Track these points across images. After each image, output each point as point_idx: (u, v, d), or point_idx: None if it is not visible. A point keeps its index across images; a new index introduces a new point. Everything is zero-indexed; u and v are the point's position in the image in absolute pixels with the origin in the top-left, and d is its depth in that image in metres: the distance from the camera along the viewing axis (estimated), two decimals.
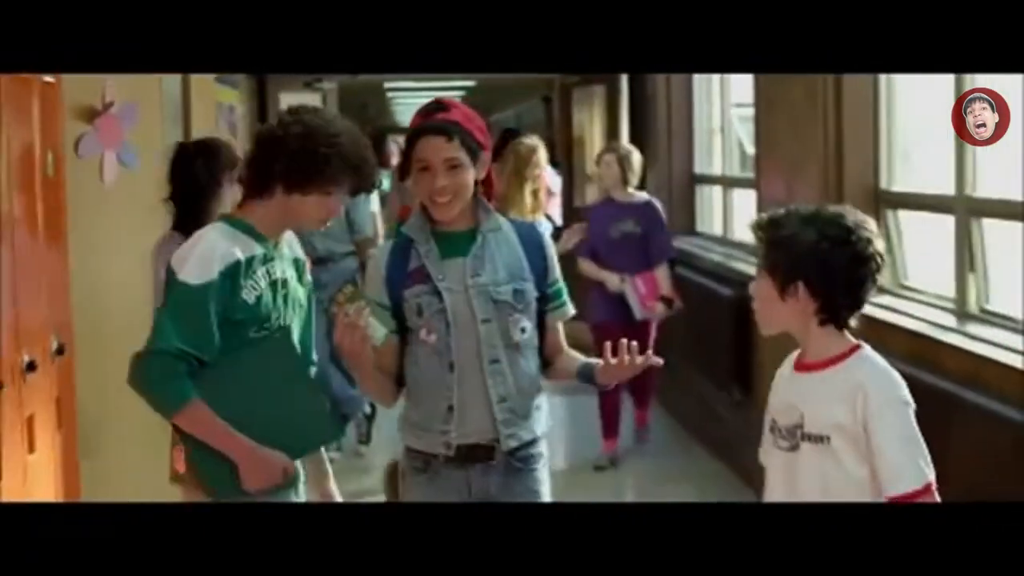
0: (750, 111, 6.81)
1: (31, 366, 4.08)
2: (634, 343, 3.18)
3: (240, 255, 3.12)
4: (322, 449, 3.45)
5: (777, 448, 2.76)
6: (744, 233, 6.85)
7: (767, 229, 2.73)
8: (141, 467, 4.84)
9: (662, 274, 7.05)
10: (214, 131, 6.81)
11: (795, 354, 2.80)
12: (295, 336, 3.27)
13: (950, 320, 4.59)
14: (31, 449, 4.13)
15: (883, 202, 5.29)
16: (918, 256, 5.25)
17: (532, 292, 3.29)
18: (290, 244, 3.34)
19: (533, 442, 3.30)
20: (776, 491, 2.77)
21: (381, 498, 4.98)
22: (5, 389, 3.86)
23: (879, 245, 2.70)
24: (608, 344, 3.19)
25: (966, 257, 4.58)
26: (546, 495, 3.34)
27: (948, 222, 4.72)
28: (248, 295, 3.13)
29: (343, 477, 3.59)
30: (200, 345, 3.08)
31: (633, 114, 9.67)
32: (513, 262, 3.28)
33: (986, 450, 3.81)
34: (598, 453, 7.15)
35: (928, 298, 4.94)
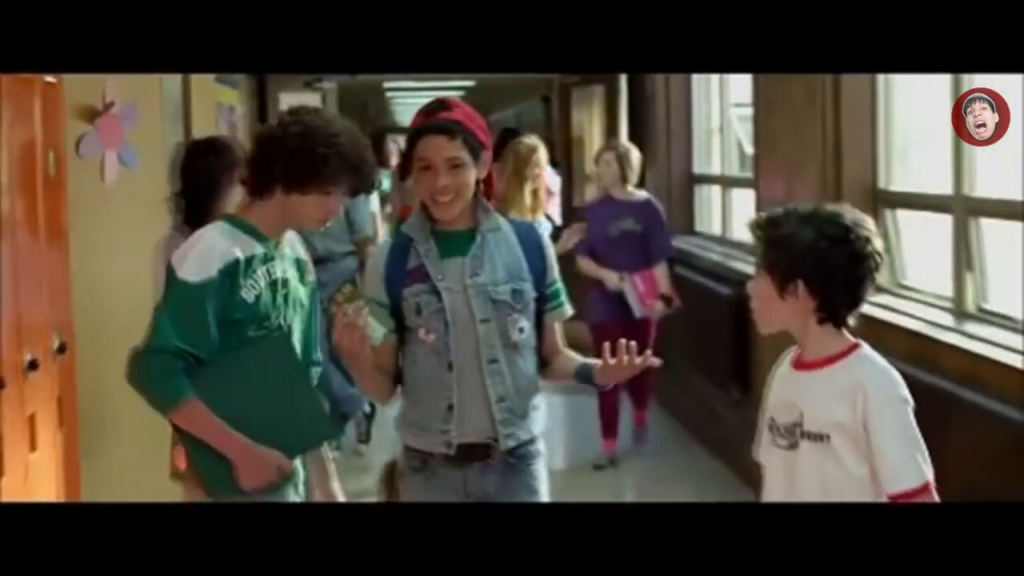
0: (749, 111, 6.82)
1: (33, 365, 4.09)
2: (633, 343, 3.17)
3: (239, 254, 3.13)
4: (325, 449, 3.46)
5: (776, 446, 2.76)
6: (743, 233, 6.85)
7: (766, 228, 2.74)
8: (142, 465, 4.86)
9: (661, 272, 7.06)
10: (214, 131, 6.83)
11: (792, 352, 2.81)
12: (296, 336, 3.28)
13: (948, 319, 4.60)
14: (33, 448, 4.14)
15: (881, 201, 5.29)
16: (916, 255, 5.26)
17: (531, 292, 3.29)
18: (292, 244, 3.34)
19: (531, 441, 3.31)
20: (775, 490, 2.78)
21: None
22: (7, 388, 3.87)
23: (877, 244, 2.71)
24: (607, 345, 3.20)
25: (964, 256, 4.59)
26: (544, 492, 3.34)
27: (946, 221, 4.73)
28: (247, 294, 3.14)
29: (343, 476, 3.60)
30: (198, 343, 3.09)
31: (632, 114, 9.68)
32: (512, 262, 3.28)
33: (984, 449, 3.81)
34: (597, 453, 7.15)
35: (926, 297, 4.95)
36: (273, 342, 3.20)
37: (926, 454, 2.64)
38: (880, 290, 4.68)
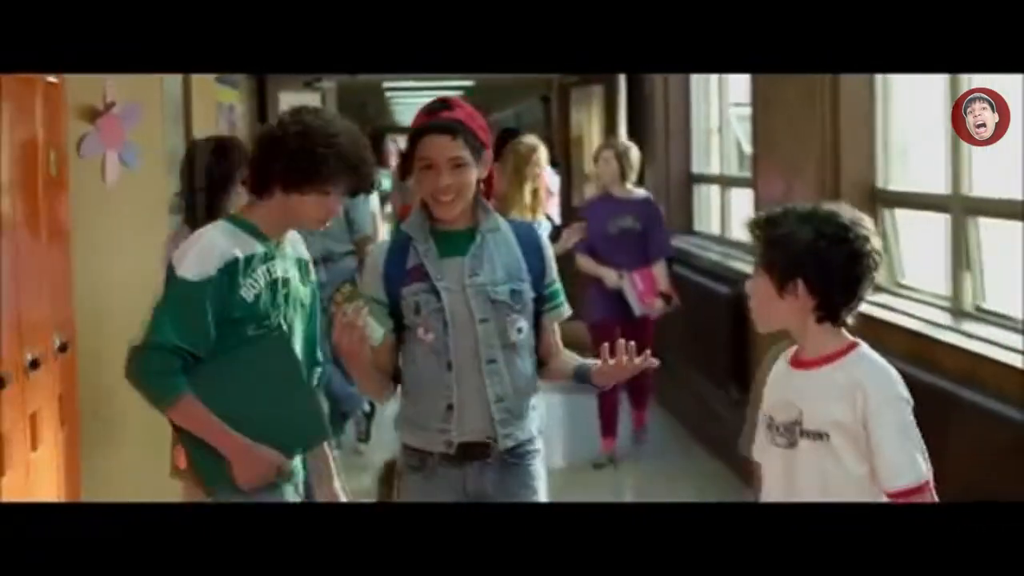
0: (748, 111, 6.82)
1: (34, 364, 4.10)
2: (632, 343, 3.18)
3: (239, 253, 3.14)
4: (327, 449, 3.47)
5: (774, 445, 2.76)
6: (741, 232, 6.85)
7: (764, 227, 2.74)
8: (142, 464, 4.87)
9: (660, 270, 7.06)
10: (214, 131, 6.83)
11: (789, 351, 2.81)
12: (297, 335, 3.29)
13: (946, 319, 4.61)
14: (34, 446, 4.14)
15: (880, 201, 5.30)
16: (914, 255, 5.27)
17: (529, 292, 3.29)
18: (294, 244, 3.35)
19: (529, 441, 3.31)
20: (775, 488, 2.77)
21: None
22: (8, 387, 3.87)
23: (876, 242, 2.71)
24: (606, 346, 3.20)
25: (962, 256, 4.60)
26: (542, 489, 3.35)
27: (944, 221, 4.74)
28: (247, 293, 3.15)
29: (342, 475, 3.61)
30: (195, 341, 3.10)
31: (631, 114, 9.68)
32: (511, 262, 3.29)
33: (983, 448, 3.82)
34: (597, 452, 7.16)
35: (924, 296, 4.96)
36: (272, 341, 3.21)
37: (925, 453, 2.65)
38: (878, 289, 4.69)
